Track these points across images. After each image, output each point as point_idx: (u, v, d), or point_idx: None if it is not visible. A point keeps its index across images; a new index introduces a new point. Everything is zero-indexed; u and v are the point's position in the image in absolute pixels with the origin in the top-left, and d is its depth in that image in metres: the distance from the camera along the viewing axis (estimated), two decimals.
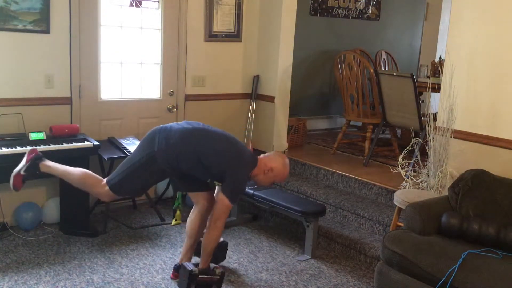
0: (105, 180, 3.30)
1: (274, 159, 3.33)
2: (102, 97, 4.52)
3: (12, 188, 3.31)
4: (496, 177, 3.28)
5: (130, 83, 4.71)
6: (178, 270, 3.45)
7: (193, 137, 3.20)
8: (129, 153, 4.16)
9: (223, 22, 5.07)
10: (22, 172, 3.31)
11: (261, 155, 3.36)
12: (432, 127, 3.80)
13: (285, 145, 5.37)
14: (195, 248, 3.51)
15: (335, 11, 6.58)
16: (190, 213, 3.50)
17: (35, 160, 3.32)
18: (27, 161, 3.31)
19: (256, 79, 5.32)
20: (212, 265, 3.30)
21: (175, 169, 3.21)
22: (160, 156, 3.16)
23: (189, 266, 3.22)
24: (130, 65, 4.68)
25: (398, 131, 5.71)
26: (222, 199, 3.13)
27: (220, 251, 3.52)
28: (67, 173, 3.34)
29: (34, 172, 3.33)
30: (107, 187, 3.26)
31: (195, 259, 3.51)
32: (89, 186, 3.34)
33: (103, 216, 4.28)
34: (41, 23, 4.04)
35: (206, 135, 3.23)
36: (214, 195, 3.42)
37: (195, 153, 3.15)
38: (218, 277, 3.25)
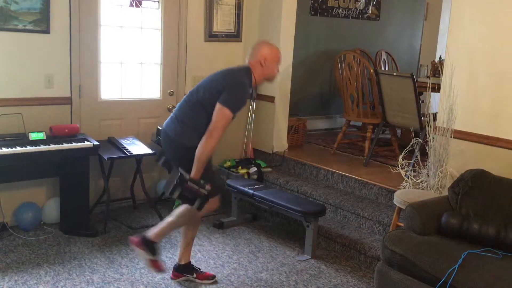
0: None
1: (259, 50, 3.24)
2: (102, 97, 4.52)
3: (159, 273, 3.40)
4: (496, 177, 3.28)
5: (130, 83, 4.71)
6: (178, 270, 3.45)
7: (188, 99, 3.21)
8: (129, 153, 4.17)
9: (223, 22, 5.07)
10: (153, 258, 3.25)
11: (247, 60, 3.27)
12: (432, 127, 3.80)
13: (285, 145, 5.37)
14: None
15: (335, 11, 6.59)
16: None
17: (146, 242, 3.24)
18: (144, 250, 3.23)
19: None
20: (202, 181, 3.14)
21: (200, 135, 3.11)
22: (185, 139, 3.12)
23: (183, 172, 3.08)
24: (130, 65, 4.68)
25: (398, 131, 5.71)
26: (221, 108, 3.02)
27: None
28: (174, 223, 3.30)
29: (156, 249, 3.28)
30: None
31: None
32: (197, 212, 3.25)
33: (103, 216, 4.29)
34: (41, 23, 4.04)
35: (195, 90, 3.22)
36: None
37: (202, 107, 3.11)
38: (205, 192, 3.10)
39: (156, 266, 3.26)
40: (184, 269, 3.47)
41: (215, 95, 3.08)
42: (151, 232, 3.27)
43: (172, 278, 3.45)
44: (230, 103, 3.05)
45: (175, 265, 3.49)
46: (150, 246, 3.23)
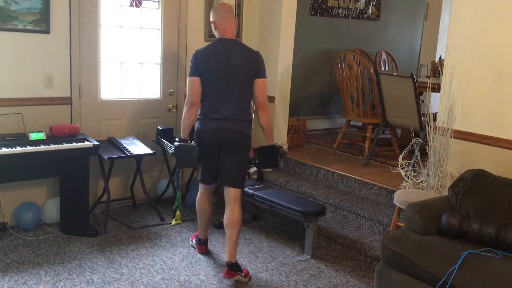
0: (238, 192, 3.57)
1: (232, 14, 3.60)
2: (102, 97, 4.52)
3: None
4: (496, 177, 3.28)
5: (130, 83, 4.71)
6: (202, 243, 3.84)
7: (234, 99, 3.48)
8: (129, 153, 4.18)
9: None
10: (244, 279, 3.52)
11: (227, 31, 3.51)
12: (432, 127, 3.80)
13: (285, 145, 5.36)
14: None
15: (335, 11, 6.59)
16: (199, 196, 3.73)
17: (233, 267, 3.50)
18: (238, 274, 3.50)
19: None
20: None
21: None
22: (249, 129, 3.54)
23: (271, 146, 3.55)
24: (130, 65, 4.68)
25: (398, 131, 5.71)
26: (263, 81, 3.53)
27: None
28: (235, 232, 3.55)
29: (240, 266, 3.55)
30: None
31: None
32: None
33: (103, 216, 4.28)
34: (41, 23, 4.04)
35: (236, 87, 3.49)
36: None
37: (246, 102, 3.56)
38: (282, 148, 3.58)
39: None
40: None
41: (252, 82, 3.50)
42: (229, 256, 3.49)
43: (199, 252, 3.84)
44: (264, 72, 3.56)
45: (199, 239, 3.86)
46: (237, 268, 3.50)
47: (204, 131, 3.46)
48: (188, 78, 3.53)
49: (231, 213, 3.51)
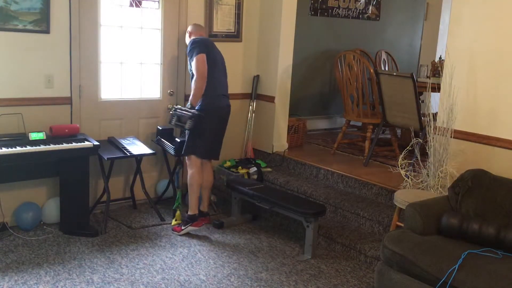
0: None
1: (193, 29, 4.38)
2: (102, 97, 4.52)
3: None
4: (496, 177, 3.28)
5: (130, 83, 4.71)
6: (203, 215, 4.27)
7: (224, 76, 4.28)
8: (129, 153, 4.18)
9: (223, 22, 5.07)
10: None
11: (202, 31, 4.39)
12: (432, 127, 3.80)
13: (285, 145, 5.37)
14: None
15: (335, 11, 6.59)
16: (196, 172, 4.13)
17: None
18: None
19: (256, 79, 5.32)
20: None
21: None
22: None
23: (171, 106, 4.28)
24: (130, 65, 4.68)
25: (398, 131, 5.71)
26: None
27: None
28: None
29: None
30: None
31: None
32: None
33: (103, 216, 4.29)
34: (41, 23, 4.04)
35: (224, 69, 4.30)
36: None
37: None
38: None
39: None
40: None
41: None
42: (207, 208, 4.32)
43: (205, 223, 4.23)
44: None
45: (203, 213, 4.26)
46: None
47: (218, 107, 4.11)
48: (197, 56, 3.98)
49: (211, 177, 4.33)
